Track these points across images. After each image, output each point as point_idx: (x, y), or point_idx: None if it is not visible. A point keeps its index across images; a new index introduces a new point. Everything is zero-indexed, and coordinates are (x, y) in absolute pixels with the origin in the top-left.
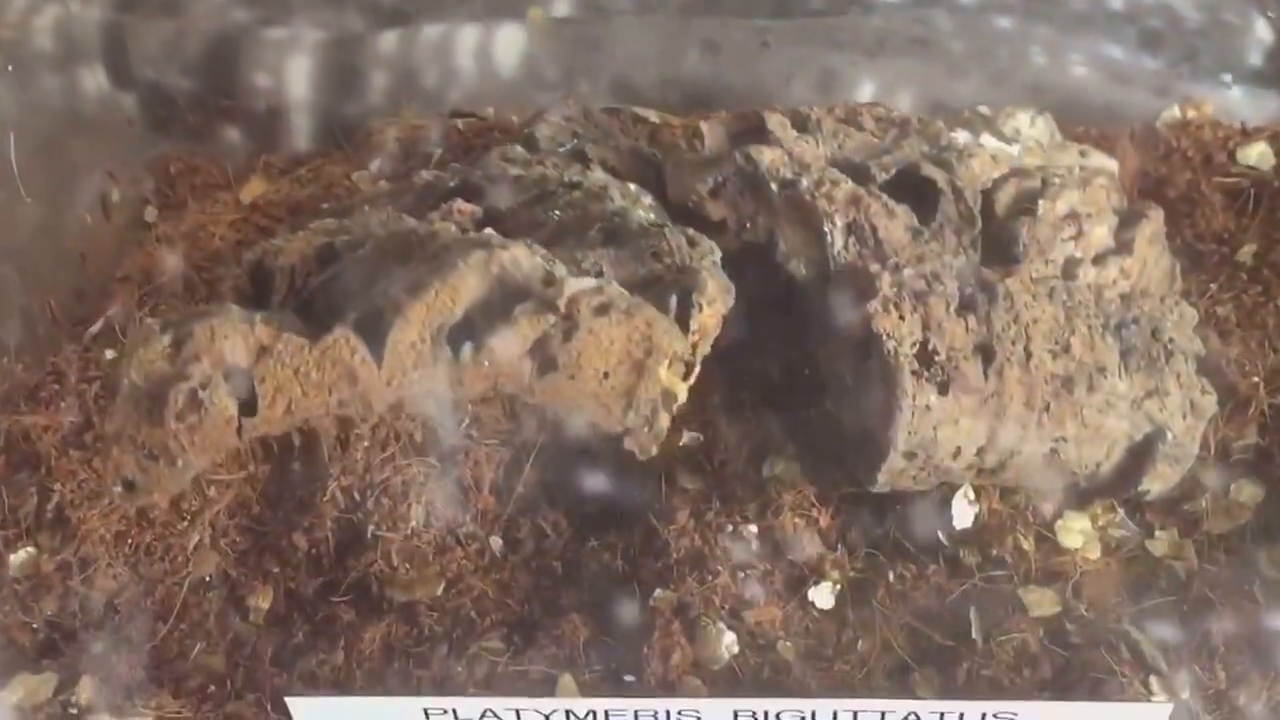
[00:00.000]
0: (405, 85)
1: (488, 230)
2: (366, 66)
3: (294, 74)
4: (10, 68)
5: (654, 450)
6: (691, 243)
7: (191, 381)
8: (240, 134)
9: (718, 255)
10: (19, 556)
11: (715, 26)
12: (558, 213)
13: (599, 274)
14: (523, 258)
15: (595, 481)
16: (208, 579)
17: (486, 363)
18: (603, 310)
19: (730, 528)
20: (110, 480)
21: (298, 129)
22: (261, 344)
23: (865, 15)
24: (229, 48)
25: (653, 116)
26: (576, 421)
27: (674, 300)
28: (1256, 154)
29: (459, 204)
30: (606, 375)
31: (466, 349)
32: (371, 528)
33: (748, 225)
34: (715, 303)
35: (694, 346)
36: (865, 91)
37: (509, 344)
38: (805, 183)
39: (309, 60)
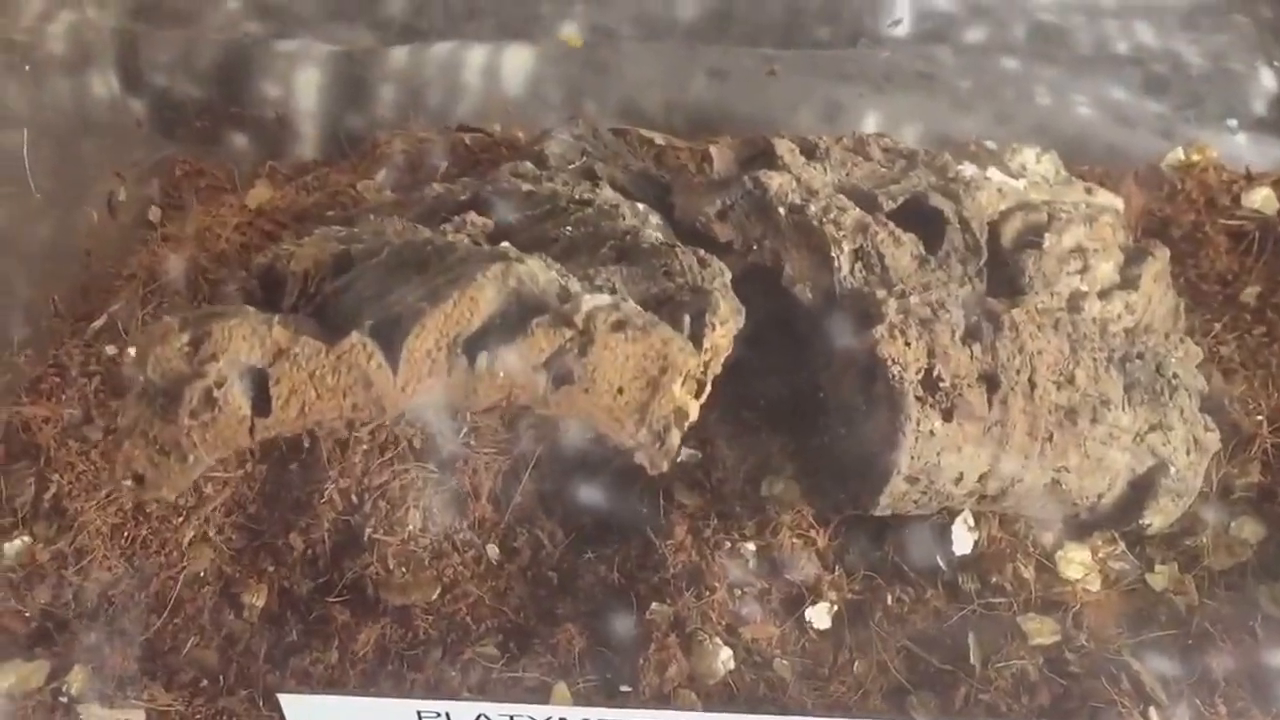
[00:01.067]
0: (412, 100)
1: (504, 244)
2: (375, 80)
3: (303, 84)
4: (27, 68)
5: (665, 466)
6: (702, 263)
7: (207, 380)
8: (247, 140)
9: (728, 276)
10: (14, 545)
11: (722, 54)
12: (569, 229)
13: (612, 291)
14: (539, 272)
15: (592, 494)
16: (202, 574)
17: (501, 374)
18: (619, 327)
19: (728, 545)
20: (120, 474)
21: (304, 138)
22: (279, 346)
23: (872, 49)
24: (240, 57)
25: (658, 138)
26: (574, 434)
27: (688, 319)
28: (1261, 198)
29: (471, 217)
30: (621, 391)
31: (482, 359)
32: (369, 530)
33: (754, 248)
34: (728, 323)
35: (706, 365)
36: (871, 123)
37: (525, 356)
38: (813, 209)
39: (318, 72)
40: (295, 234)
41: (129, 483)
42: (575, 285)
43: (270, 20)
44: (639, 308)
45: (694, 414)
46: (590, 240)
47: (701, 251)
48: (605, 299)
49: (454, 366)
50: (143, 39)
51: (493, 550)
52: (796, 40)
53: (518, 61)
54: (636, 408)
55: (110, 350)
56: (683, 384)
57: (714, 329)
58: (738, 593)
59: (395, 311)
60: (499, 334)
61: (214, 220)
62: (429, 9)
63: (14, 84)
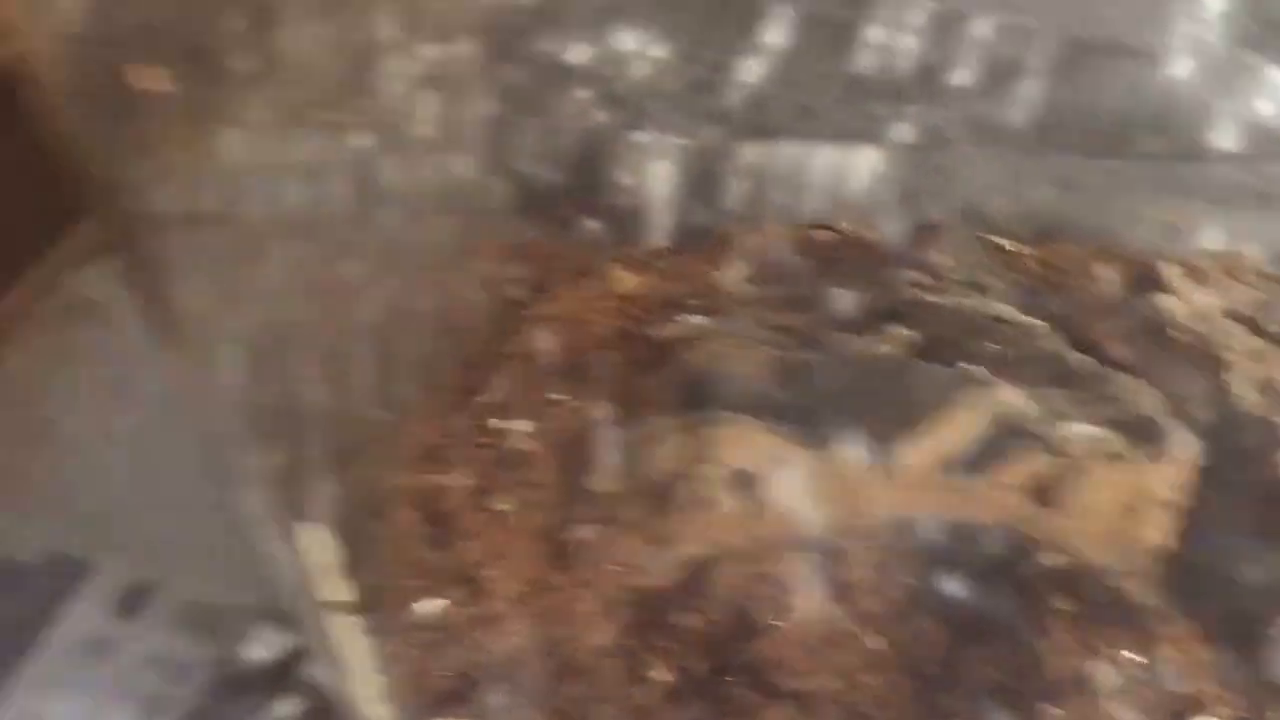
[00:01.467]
0: (759, 194)
1: (969, 365)
2: (724, 174)
3: (655, 175)
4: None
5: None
6: (1134, 389)
7: (699, 480)
8: (600, 226)
9: (1162, 403)
10: (424, 607)
11: (1060, 162)
12: (993, 347)
13: (1064, 416)
14: (1015, 398)
15: (963, 591)
16: (605, 645)
17: (981, 494)
18: (1097, 454)
19: (1107, 651)
20: (611, 559)
21: (655, 226)
22: (769, 452)
23: (1209, 165)
24: (596, 146)
25: (1009, 245)
26: (938, 532)
27: (1147, 447)
28: None
29: (896, 329)
30: (1099, 516)
31: (965, 479)
32: (761, 615)
33: (1146, 370)
34: (1185, 450)
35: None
36: (1209, 240)
37: (1006, 478)
38: (1203, 330)
39: (670, 164)
40: (660, 321)
41: (621, 569)
42: (1038, 410)
43: (618, 110)
44: (1116, 436)
45: (1163, 539)
46: (1015, 360)
47: (1129, 377)
48: (1086, 427)
49: (939, 483)
50: (505, 124)
51: (877, 641)
52: (1125, 151)
53: (865, 163)
54: (1114, 533)
55: (495, 423)
56: (1155, 511)
57: (1174, 457)
58: (1121, 700)
59: (875, 429)
60: (981, 456)
61: (581, 305)
62: (770, 107)
63: (387, 163)
